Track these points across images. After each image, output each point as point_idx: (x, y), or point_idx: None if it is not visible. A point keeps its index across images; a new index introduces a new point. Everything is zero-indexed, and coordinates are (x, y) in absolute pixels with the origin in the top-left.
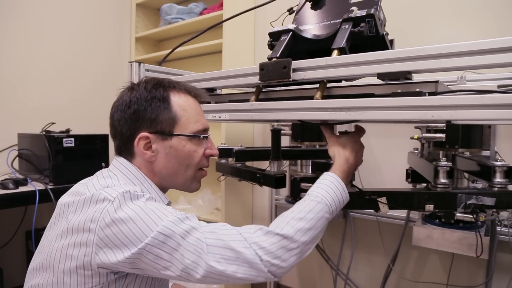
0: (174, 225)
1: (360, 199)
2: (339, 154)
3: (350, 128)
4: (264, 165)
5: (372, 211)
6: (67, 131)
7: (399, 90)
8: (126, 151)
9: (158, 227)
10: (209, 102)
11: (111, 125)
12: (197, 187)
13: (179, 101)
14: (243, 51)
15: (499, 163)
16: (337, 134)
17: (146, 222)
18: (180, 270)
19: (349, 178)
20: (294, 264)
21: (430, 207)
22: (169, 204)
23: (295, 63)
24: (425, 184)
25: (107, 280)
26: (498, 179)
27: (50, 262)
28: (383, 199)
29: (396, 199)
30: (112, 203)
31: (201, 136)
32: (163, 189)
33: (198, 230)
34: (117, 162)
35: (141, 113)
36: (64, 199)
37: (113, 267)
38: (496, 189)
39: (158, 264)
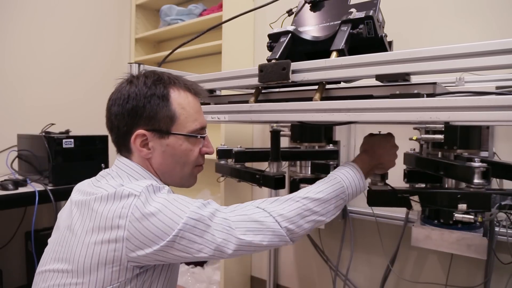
0: (201, 210)
1: (393, 197)
2: (366, 148)
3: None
4: (264, 166)
5: (371, 211)
6: (67, 132)
7: (397, 92)
8: (123, 146)
9: (187, 214)
10: (209, 103)
11: (108, 118)
12: (193, 183)
13: (178, 99)
14: (243, 52)
15: None
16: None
17: (174, 211)
18: (213, 250)
19: (370, 171)
20: (308, 231)
21: (463, 207)
22: None
23: (294, 65)
24: (423, 184)
25: (131, 276)
26: None
27: (75, 261)
28: (416, 198)
29: (428, 198)
30: (139, 198)
31: (199, 136)
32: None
33: (222, 211)
34: (120, 162)
35: (140, 110)
36: (78, 197)
37: (145, 260)
38: None
39: (191, 248)
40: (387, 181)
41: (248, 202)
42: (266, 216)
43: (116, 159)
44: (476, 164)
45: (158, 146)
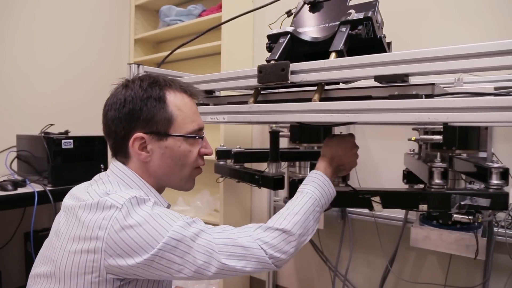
0: (184, 229)
1: (354, 198)
2: (325, 152)
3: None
4: (263, 166)
5: (370, 212)
6: (66, 132)
7: (396, 93)
8: (121, 151)
9: (168, 233)
10: (208, 104)
11: (105, 123)
12: (192, 187)
13: (175, 101)
14: (242, 53)
15: (495, 165)
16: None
17: (156, 228)
18: (193, 272)
19: (335, 174)
20: (293, 255)
21: (423, 207)
22: (168, 207)
23: (293, 66)
24: (422, 185)
25: (112, 287)
26: (494, 180)
27: (57, 266)
28: (377, 198)
29: (390, 198)
30: (120, 210)
31: (197, 137)
32: (160, 189)
33: (206, 232)
34: (114, 167)
35: (137, 113)
36: (68, 201)
37: (123, 273)
38: (491, 190)
39: (171, 268)
40: (348, 182)
41: (233, 227)
42: (251, 241)
43: (111, 163)
44: (436, 164)
45: (157, 149)
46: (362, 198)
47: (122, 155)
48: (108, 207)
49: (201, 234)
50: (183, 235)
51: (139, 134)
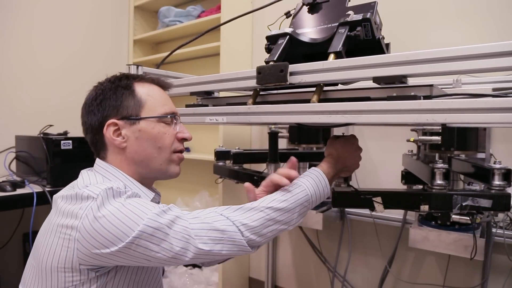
0: (159, 217)
1: (356, 198)
2: (331, 152)
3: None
4: (262, 167)
5: (369, 212)
6: (65, 133)
7: (394, 94)
8: (98, 144)
9: (144, 221)
10: (207, 105)
11: (82, 123)
12: (176, 171)
13: (143, 89)
14: (241, 54)
15: (497, 166)
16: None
17: (130, 217)
18: (170, 257)
19: (335, 176)
20: (269, 239)
21: (425, 208)
22: (157, 196)
23: (292, 67)
24: (421, 186)
25: (88, 278)
26: (497, 181)
27: (39, 259)
28: (378, 199)
29: (391, 199)
30: (95, 200)
31: (168, 116)
32: (145, 182)
33: (182, 218)
34: (96, 164)
35: (107, 102)
36: (54, 196)
37: (98, 262)
38: (494, 191)
39: (147, 255)
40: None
41: (211, 208)
42: (229, 224)
43: (96, 162)
44: (438, 165)
45: (131, 133)
46: (364, 198)
47: (101, 149)
48: (86, 198)
49: (177, 220)
50: (159, 222)
51: (111, 121)
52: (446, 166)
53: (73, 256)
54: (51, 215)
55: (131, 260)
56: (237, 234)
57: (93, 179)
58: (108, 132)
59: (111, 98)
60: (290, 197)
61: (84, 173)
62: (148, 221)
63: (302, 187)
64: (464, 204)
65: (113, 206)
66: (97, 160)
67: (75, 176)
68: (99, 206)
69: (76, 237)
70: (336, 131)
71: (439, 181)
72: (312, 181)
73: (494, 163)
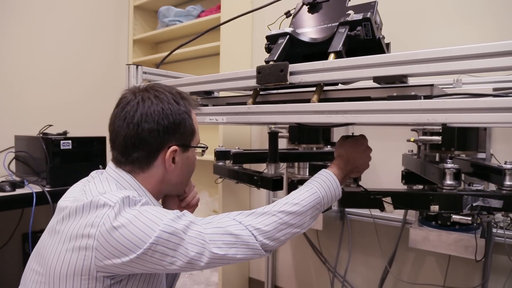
0: (174, 222)
1: (365, 198)
2: (339, 153)
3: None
4: (262, 167)
5: (369, 212)
6: (65, 133)
7: (394, 94)
8: (145, 160)
9: (159, 227)
10: (206, 105)
11: (136, 135)
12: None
13: (194, 116)
14: (241, 54)
15: (508, 166)
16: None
17: (146, 223)
18: (186, 263)
19: (345, 177)
20: (283, 243)
21: (435, 208)
22: (160, 206)
23: (292, 67)
24: (421, 186)
25: (103, 285)
26: (508, 181)
27: (47, 266)
28: (388, 199)
29: (401, 199)
30: (112, 209)
31: (206, 147)
32: (158, 196)
33: (196, 223)
34: (109, 168)
35: (175, 126)
36: (63, 203)
37: (115, 271)
38: (505, 191)
39: (163, 261)
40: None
41: (224, 213)
42: (242, 229)
43: (108, 166)
44: (448, 165)
45: (180, 159)
46: (374, 198)
47: (143, 164)
48: (102, 206)
49: (191, 225)
50: (174, 227)
51: (175, 147)
52: (457, 166)
53: (90, 264)
54: (58, 221)
55: (147, 266)
56: (251, 238)
57: (106, 186)
58: (169, 156)
59: (180, 124)
60: (302, 200)
61: (97, 178)
62: (164, 226)
63: (314, 189)
64: (474, 204)
65: (130, 214)
66: (113, 166)
67: (74, 176)
68: (116, 214)
69: (94, 246)
70: (336, 131)
71: (449, 181)
72: (324, 183)
73: (505, 164)
